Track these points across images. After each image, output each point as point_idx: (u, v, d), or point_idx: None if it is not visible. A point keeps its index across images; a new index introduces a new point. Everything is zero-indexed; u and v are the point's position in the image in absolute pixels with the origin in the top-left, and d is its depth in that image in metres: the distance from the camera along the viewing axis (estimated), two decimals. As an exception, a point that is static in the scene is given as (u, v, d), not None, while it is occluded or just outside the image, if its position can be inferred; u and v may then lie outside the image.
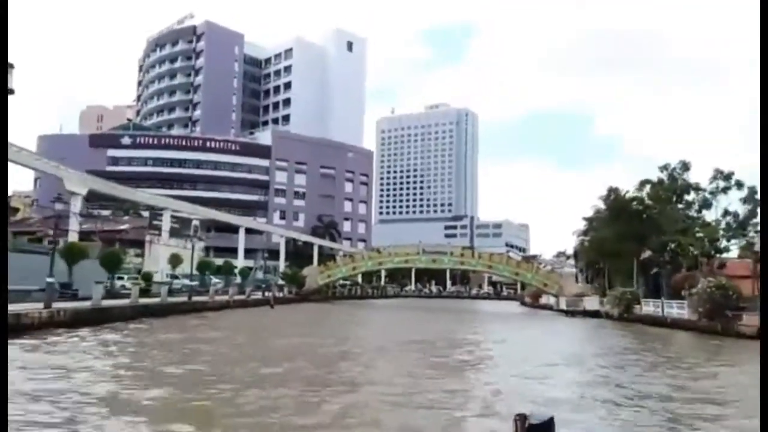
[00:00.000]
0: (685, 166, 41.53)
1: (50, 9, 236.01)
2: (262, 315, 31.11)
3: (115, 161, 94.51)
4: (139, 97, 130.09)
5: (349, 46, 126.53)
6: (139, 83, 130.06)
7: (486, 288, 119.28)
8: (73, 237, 34.27)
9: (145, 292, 35.90)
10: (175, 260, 42.60)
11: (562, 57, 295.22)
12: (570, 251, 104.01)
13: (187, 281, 42.49)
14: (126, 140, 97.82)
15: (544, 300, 59.47)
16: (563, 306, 45.97)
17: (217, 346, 17.18)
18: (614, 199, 43.48)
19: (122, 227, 70.82)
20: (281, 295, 44.02)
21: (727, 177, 39.28)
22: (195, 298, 31.87)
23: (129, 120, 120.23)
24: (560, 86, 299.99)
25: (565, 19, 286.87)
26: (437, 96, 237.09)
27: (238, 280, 50.29)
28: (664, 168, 42.94)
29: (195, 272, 42.49)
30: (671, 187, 40.37)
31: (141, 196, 53.88)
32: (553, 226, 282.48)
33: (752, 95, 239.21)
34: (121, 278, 35.94)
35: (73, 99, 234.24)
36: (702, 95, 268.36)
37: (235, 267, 52.75)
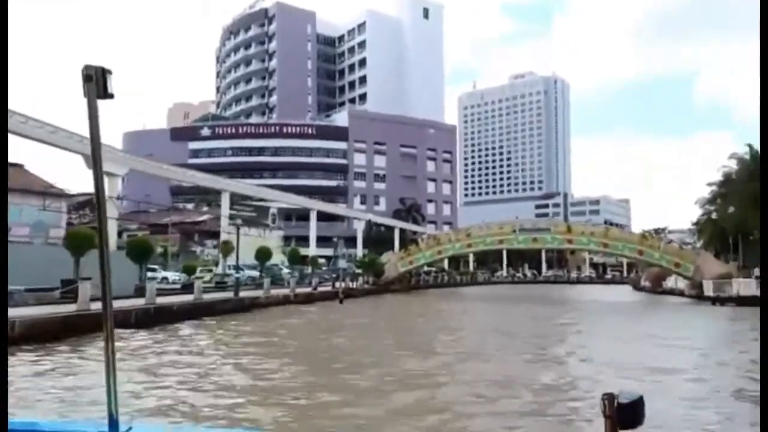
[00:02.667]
0: None
1: (134, 12, 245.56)
2: (324, 313, 25.45)
3: (195, 153, 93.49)
4: (218, 89, 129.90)
5: (425, 13, 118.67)
6: (218, 74, 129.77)
7: (587, 271, 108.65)
8: (112, 225, 30.37)
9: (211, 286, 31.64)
10: (259, 252, 38.77)
11: (657, 19, 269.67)
12: (673, 227, 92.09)
13: (253, 273, 38.08)
14: (205, 131, 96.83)
15: (669, 283, 49.73)
16: (705, 291, 36.66)
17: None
18: None
19: (200, 218, 68.83)
20: (354, 285, 38.29)
21: None
22: (247, 293, 26.88)
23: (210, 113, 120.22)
24: (656, 51, 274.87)
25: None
26: (522, 69, 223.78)
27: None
28: None
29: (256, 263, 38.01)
30: None
31: (208, 180, 50.04)
32: (655, 200, 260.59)
33: None
34: (152, 269, 31.77)
35: (161, 100, 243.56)
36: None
37: (305, 256, 47.90)
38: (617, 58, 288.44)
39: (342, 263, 68.62)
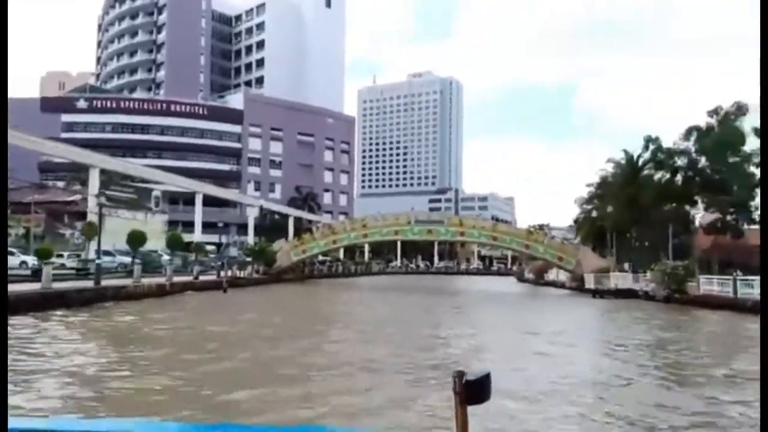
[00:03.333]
0: (740, 109, 33.96)
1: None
2: (199, 304, 23.11)
3: (70, 127, 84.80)
4: (98, 60, 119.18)
5: (327, 2, 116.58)
6: (99, 44, 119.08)
7: (476, 263, 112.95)
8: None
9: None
10: (132, 236, 34.95)
11: (546, 33, 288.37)
12: (554, 224, 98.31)
13: (124, 258, 34.58)
14: (82, 104, 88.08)
15: (551, 276, 52.38)
16: (586, 284, 38.54)
17: None
18: (655, 150, 35.99)
19: (71, 198, 62.32)
20: (242, 275, 35.67)
21: None
22: (114, 282, 23.81)
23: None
24: (544, 61, 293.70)
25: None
26: (421, 68, 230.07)
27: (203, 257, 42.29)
28: (714, 113, 35.27)
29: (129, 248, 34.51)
30: (731, 132, 32.63)
31: (74, 154, 44.73)
32: (538, 199, 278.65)
33: (735, 68, 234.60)
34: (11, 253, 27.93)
35: (34, 68, 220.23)
36: (688, 69, 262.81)
37: (190, 242, 44.62)
38: (509, 65, 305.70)
39: (233, 251, 65.32)
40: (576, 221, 63.48)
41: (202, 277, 30.32)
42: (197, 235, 50.20)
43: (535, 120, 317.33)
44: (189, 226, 61.79)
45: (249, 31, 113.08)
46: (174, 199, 73.28)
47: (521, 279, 67.66)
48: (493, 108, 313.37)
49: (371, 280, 58.45)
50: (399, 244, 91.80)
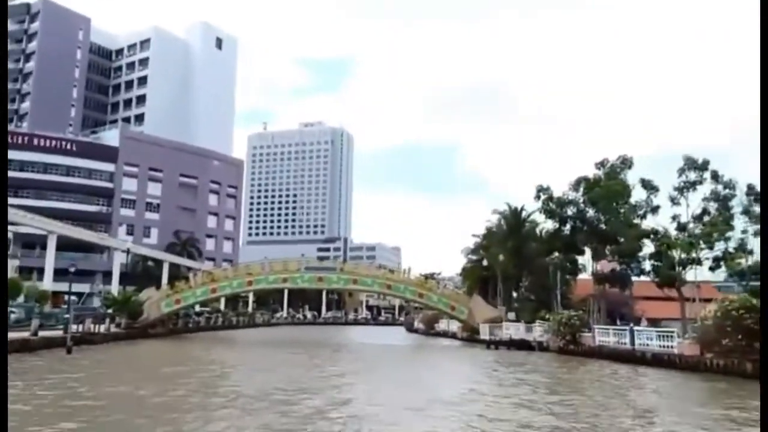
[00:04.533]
0: (625, 162, 35.72)
1: None
2: (16, 372, 17.29)
3: None
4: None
5: (218, 43, 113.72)
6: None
7: (364, 312, 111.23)
8: None
9: None
10: None
11: (432, 95, 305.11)
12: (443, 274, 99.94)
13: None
14: None
15: (442, 326, 51.55)
16: (482, 334, 37.68)
17: None
18: (546, 199, 36.74)
19: None
20: (99, 330, 30.01)
21: (702, 167, 30.93)
22: None
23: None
24: (429, 121, 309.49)
25: (438, 59, 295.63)
26: (312, 119, 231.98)
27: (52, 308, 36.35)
28: (601, 165, 36.77)
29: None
30: (618, 183, 34.00)
31: None
32: (423, 250, 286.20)
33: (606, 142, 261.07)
34: None
35: None
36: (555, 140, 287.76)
37: (56, 292, 38.57)
38: (397, 122, 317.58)
39: (96, 301, 58.25)
40: (463, 270, 64.23)
41: (47, 333, 25.20)
42: (47, 283, 43.83)
43: (420, 175, 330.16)
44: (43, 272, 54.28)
45: (130, 65, 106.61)
46: (30, 243, 64.77)
47: (410, 329, 66.56)
48: (381, 161, 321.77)
49: (254, 333, 54.26)
50: (286, 293, 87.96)
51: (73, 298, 62.71)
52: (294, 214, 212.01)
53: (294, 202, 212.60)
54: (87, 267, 72.72)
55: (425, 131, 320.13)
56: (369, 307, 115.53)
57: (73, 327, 27.78)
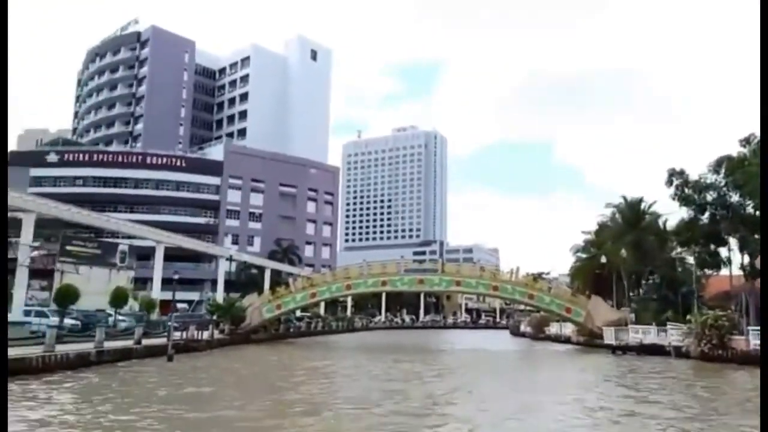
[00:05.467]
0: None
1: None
2: (99, 384, 16.78)
3: (38, 182, 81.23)
4: (76, 114, 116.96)
5: (313, 55, 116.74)
6: (77, 98, 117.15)
7: (463, 316, 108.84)
8: None
9: None
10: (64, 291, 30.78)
11: (523, 90, 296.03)
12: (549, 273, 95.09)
13: (65, 319, 30.32)
14: (52, 157, 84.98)
15: (553, 329, 48.30)
16: (605, 339, 34.05)
17: None
18: (681, 185, 32.49)
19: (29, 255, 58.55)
20: (202, 337, 30.20)
21: None
22: (16, 351, 18.40)
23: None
24: (523, 118, 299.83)
25: (531, 54, 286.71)
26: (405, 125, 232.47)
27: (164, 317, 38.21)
28: (746, 141, 31.19)
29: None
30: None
31: (43, 207, 41.22)
32: (523, 251, 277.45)
33: (712, 126, 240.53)
34: None
35: (12, 126, 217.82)
36: (663, 130, 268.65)
37: (167, 300, 40.38)
38: (489, 122, 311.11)
39: (204, 309, 61.08)
40: (571, 269, 60.56)
41: (151, 341, 25.99)
42: (156, 292, 46.16)
43: (515, 174, 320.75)
44: (165, 282, 57.57)
45: (233, 83, 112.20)
46: (144, 255, 69.41)
47: (516, 333, 63.59)
48: (473, 163, 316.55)
49: (353, 338, 54.24)
50: (384, 297, 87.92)
51: (184, 305, 66.56)
52: (389, 218, 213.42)
53: (389, 207, 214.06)
54: (197, 276, 76.88)
55: (518, 129, 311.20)
56: (468, 310, 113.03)
57: (177, 334, 28.53)
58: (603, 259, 43.66)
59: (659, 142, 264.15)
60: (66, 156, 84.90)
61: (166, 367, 21.70)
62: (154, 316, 40.27)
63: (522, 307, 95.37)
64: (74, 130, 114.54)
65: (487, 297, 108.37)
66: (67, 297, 28.53)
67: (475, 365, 28.53)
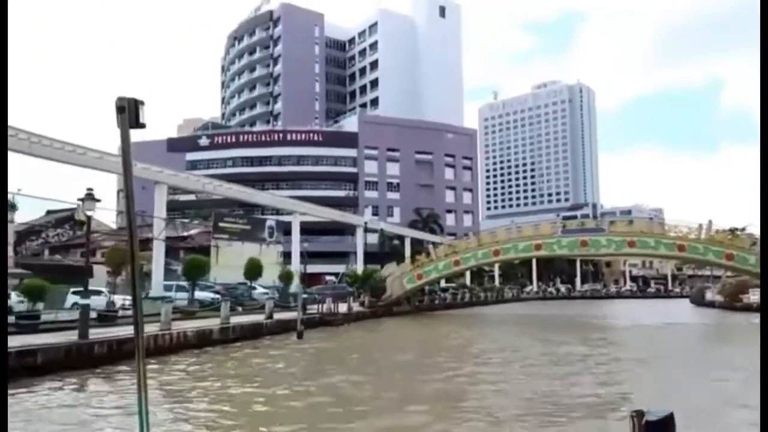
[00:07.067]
0: None
1: (141, 25, 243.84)
2: (214, 368, 14.39)
3: (194, 165, 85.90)
4: (223, 99, 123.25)
5: (441, 11, 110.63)
6: (222, 84, 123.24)
7: (627, 284, 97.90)
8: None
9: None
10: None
11: (677, 31, 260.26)
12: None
13: (209, 294, 29.28)
14: (204, 141, 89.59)
15: (753, 297, 39.05)
16: None
17: None
18: None
19: (188, 233, 61.35)
20: (339, 311, 27.48)
21: None
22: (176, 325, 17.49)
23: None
24: (678, 65, 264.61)
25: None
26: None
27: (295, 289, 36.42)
28: None
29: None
30: None
31: (186, 182, 41.67)
32: (687, 211, 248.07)
33: None
34: (95, 292, 22.80)
35: (172, 116, 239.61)
36: None
37: (310, 274, 38.96)
38: (640, 70, 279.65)
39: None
40: None
41: (284, 315, 23.61)
42: (295, 265, 44.84)
43: (675, 125, 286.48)
44: (312, 256, 57.06)
45: (362, 52, 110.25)
46: (288, 230, 70.09)
47: (700, 303, 53.80)
48: (627, 117, 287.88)
49: (506, 310, 49.02)
50: (534, 265, 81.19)
51: (332, 278, 66.24)
52: (533, 183, 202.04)
53: (532, 170, 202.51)
54: (341, 249, 76.57)
55: (674, 75, 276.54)
56: (633, 278, 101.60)
57: (314, 308, 26.04)
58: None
59: None
60: (216, 139, 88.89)
61: (291, 347, 18.69)
62: (293, 288, 38.77)
63: (700, 272, 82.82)
64: (222, 115, 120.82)
65: (654, 262, 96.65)
66: (196, 270, 27.15)
67: (684, 349, 21.33)
